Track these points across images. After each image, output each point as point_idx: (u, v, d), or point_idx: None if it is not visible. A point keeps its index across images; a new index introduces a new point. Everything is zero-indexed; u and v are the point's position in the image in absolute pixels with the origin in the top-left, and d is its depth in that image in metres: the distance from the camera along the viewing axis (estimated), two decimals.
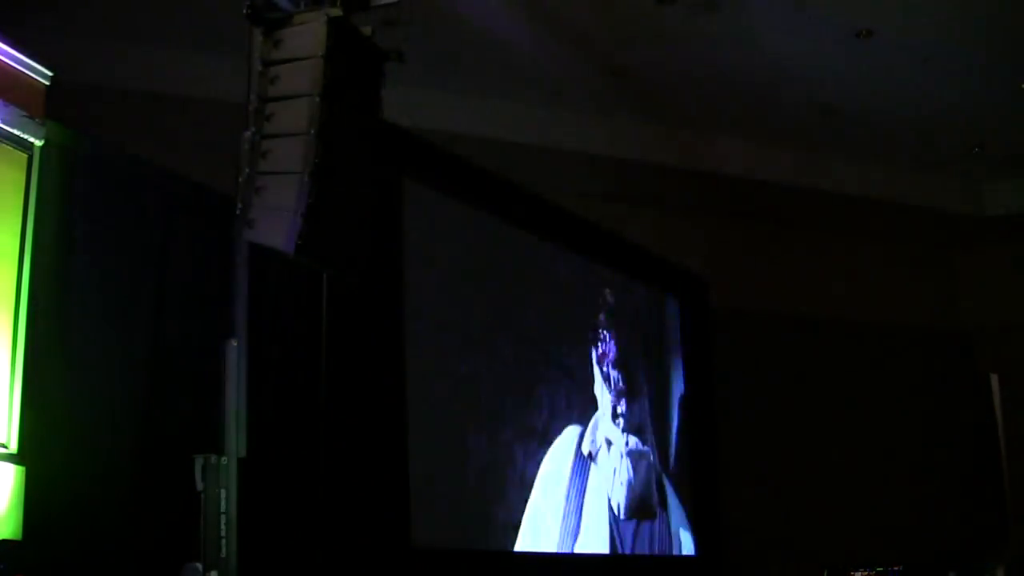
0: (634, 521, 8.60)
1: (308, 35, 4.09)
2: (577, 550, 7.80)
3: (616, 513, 8.38)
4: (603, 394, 8.48)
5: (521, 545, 7.22)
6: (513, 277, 7.78)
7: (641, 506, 8.73)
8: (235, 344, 4.26)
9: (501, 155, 8.54)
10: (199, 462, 4.14)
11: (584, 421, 8.18)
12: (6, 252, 4.60)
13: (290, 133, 4.03)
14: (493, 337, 7.42)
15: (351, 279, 4.47)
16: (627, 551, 8.41)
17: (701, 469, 9.37)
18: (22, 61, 4.73)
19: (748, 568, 9.61)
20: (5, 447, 4.44)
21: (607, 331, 8.73)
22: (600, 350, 8.54)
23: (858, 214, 10.64)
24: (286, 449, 5.93)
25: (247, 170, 4.08)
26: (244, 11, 4.10)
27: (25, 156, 4.71)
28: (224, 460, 4.15)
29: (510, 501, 7.23)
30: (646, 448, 8.91)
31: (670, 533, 9.08)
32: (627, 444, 8.67)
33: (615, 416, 8.57)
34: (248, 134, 4.10)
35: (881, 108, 9.01)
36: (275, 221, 4.00)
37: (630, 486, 8.59)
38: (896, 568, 7.42)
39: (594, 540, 8.03)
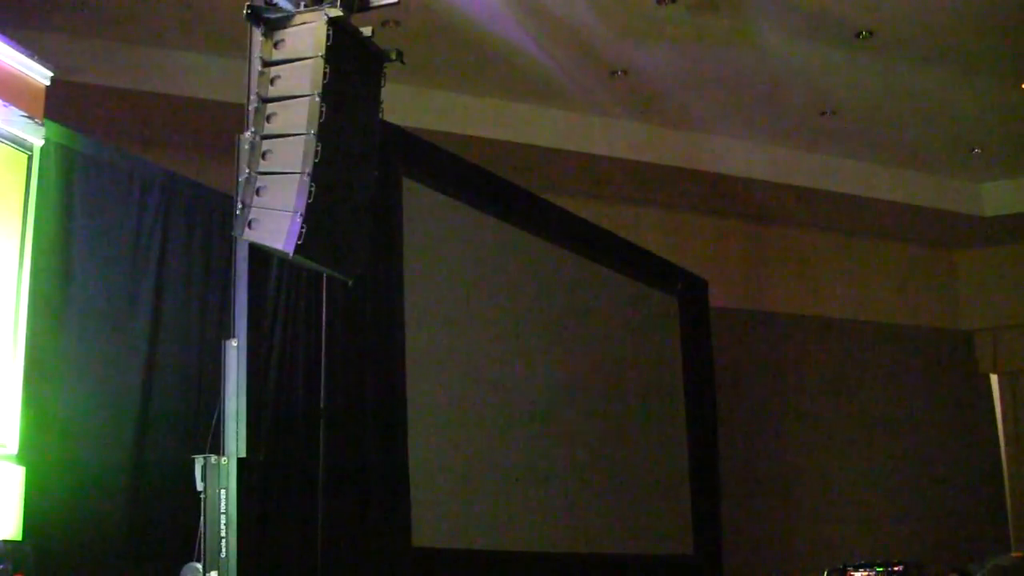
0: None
1: (308, 35, 4.08)
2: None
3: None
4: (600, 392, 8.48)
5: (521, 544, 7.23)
6: (513, 277, 7.77)
7: None
8: (235, 344, 4.26)
9: (501, 155, 8.54)
10: (199, 462, 4.14)
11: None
12: (6, 252, 4.60)
13: (290, 133, 4.03)
14: (493, 336, 7.42)
15: (351, 279, 4.45)
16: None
17: (701, 469, 9.36)
18: (22, 61, 4.74)
19: (748, 568, 9.61)
20: (5, 447, 4.44)
21: (606, 329, 8.73)
22: (598, 348, 8.55)
23: (858, 214, 10.64)
24: (286, 449, 5.94)
25: (247, 170, 4.08)
26: (244, 11, 4.09)
27: (25, 156, 4.71)
28: (224, 460, 4.15)
29: (512, 499, 7.23)
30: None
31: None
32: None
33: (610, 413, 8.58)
34: (248, 134, 4.10)
35: (881, 108, 9.00)
36: (275, 221, 3.99)
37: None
38: (896, 568, 7.40)
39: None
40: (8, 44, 4.66)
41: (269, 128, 4.06)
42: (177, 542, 4.54)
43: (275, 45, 4.13)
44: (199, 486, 4.12)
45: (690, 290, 9.74)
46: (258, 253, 4.29)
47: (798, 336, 10.84)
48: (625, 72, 8.31)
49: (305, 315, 6.22)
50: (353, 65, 4.25)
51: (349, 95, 4.23)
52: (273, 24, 4.14)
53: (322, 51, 4.03)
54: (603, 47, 7.88)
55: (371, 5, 4.39)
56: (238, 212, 4.07)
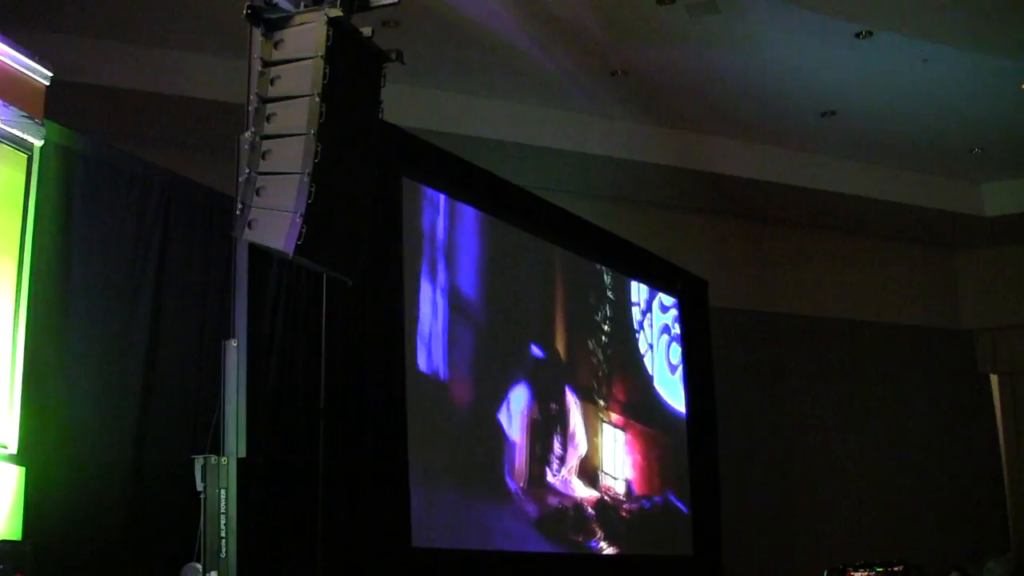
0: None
1: (308, 35, 4.08)
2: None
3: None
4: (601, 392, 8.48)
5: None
6: (512, 276, 7.78)
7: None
8: (235, 344, 4.26)
9: (501, 155, 8.54)
10: (199, 462, 4.14)
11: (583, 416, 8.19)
12: (6, 252, 4.60)
13: (290, 133, 4.02)
14: (493, 335, 7.42)
15: (351, 279, 4.45)
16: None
17: (701, 469, 9.37)
18: (22, 61, 4.73)
19: (748, 568, 9.61)
20: (5, 447, 4.44)
21: (607, 330, 8.73)
22: (596, 347, 8.55)
23: (858, 214, 10.64)
24: (286, 449, 5.94)
25: (247, 170, 4.08)
26: (244, 11, 4.09)
27: (25, 156, 4.71)
28: (224, 460, 4.15)
29: (511, 499, 7.23)
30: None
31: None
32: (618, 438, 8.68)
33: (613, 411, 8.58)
34: (248, 134, 4.10)
35: (881, 108, 9.00)
36: (275, 221, 3.99)
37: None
38: (896, 568, 7.41)
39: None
40: (8, 44, 4.66)
41: (269, 128, 4.06)
42: (177, 542, 4.54)
43: (275, 45, 4.13)
44: (199, 486, 4.12)
45: (690, 290, 9.74)
46: (258, 253, 4.28)
47: (798, 336, 10.84)
48: (625, 72, 8.31)
49: (305, 315, 6.22)
50: (353, 65, 4.24)
51: (349, 95, 4.22)
52: (273, 24, 4.13)
53: (322, 51, 4.02)
54: (603, 47, 7.88)
55: (371, 5, 4.38)
56: (238, 212, 4.07)
